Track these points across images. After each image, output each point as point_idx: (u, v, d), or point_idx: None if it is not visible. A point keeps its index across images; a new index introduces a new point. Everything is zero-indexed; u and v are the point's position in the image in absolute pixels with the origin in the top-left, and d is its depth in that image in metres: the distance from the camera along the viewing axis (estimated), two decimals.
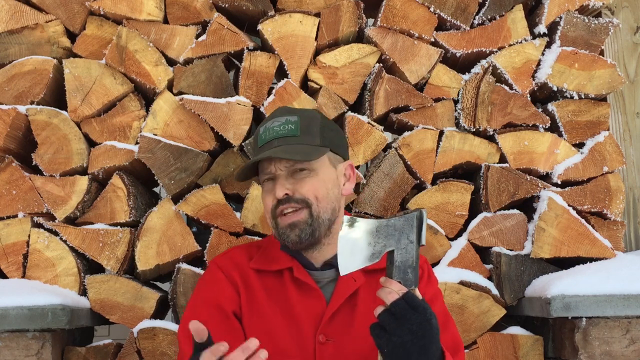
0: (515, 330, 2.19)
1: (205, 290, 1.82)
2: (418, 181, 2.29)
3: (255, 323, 1.77)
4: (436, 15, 2.31)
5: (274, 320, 1.76)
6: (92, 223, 2.18)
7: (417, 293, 1.53)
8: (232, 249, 1.91)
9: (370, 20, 2.38)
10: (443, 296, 2.12)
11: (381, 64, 2.29)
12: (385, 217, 1.56)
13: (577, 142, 2.35)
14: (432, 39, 2.32)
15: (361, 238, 1.53)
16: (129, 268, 2.21)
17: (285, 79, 2.25)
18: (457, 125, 2.32)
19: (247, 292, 1.79)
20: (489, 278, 2.24)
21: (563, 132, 2.33)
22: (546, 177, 2.33)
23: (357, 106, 2.34)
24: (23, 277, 2.15)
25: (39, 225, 2.18)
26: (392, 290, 1.49)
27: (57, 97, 2.28)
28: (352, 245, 1.53)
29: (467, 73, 2.34)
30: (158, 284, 2.42)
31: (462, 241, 2.24)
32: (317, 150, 1.76)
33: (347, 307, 1.76)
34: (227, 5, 2.28)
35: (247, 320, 1.77)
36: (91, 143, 2.24)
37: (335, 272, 1.79)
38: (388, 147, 2.29)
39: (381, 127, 2.27)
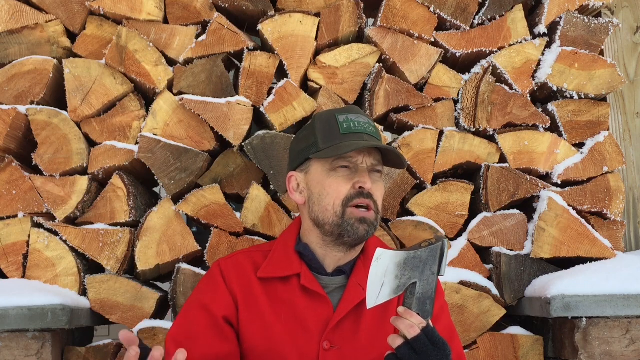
0: (515, 330, 2.19)
1: (201, 293, 1.81)
2: (418, 181, 2.29)
3: (254, 328, 1.76)
4: (436, 15, 2.32)
5: (276, 327, 1.74)
6: (92, 223, 2.18)
7: (430, 323, 1.54)
8: (237, 254, 1.88)
9: (370, 20, 2.38)
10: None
11: (381, 64, 2.29)
12: (408, 248, 1.58)
13: (577, 142, 2.35)
14: (432, 39, 2.32)
15: (390, 271, 1.53)
16: (129, 268, 2.21)
17: (285, 79, 2.25)
18: (457, 125, 2.32)
19: (247, 300, 1.77)
20: (489, 278, 2.24)
21: (563, 132, 2.33)
22: (546, 177, 2.33)
23: (357, 106, 2.33)
24: (23, 277, 2.15)
25: (39, 225, 2.18)
26: (413, 324, 1.49)
27: (57, 97, 2.28)
28: (382, 278, 1.53)
29: (467, 73, 2.34)
30: (158, 284, 2.42)
31: (462, 241, 2.24)
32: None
33: (353, 316, 1.75)
34: (227, 5, 2.28)
35: (245, 327, 1.76)
36: (91, 143, 2.24)
37: (344, 279, 1.79)
38: None
39: (381, 127, 2.27)
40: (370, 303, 1.53)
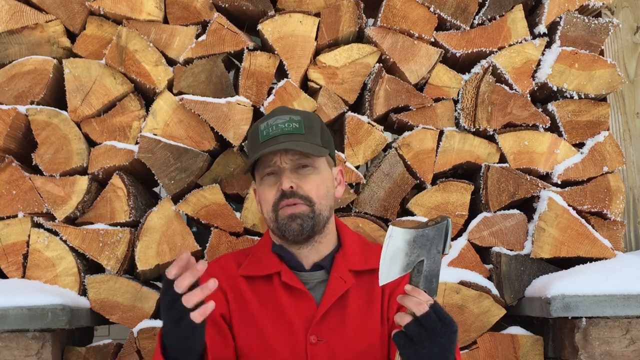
0: (515, 330, 2.19)
1: None
2: (418, 181, 2.29)
3: (246, 328, 1.79)
4: (436, 15, 2.31)
5: (265, 324, 1.78)
6: (92, 223, 2.18)
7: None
8: (221, 258, 1.93)
9: (370, 20, 2.38)
10: (443, 296, 2.12)
11: (381, 64, 2.29)
12: (416, 227, 1.58)
13: (577, 142, 2.35)
14: (432, 39, 2.32)
15: (401, 248, 1.55)
16: (129, 268, 2.21)
17: (285, 79, 2.25)
18: (457, 125, 2.32)
19: (236, 299, 1.81)
20: (489, 278, 2.24)
21: (563, 132, 2.33)
22: (546, 177, 2.33)
23: (357, 106, 2.34)
24: (23, 277, 2.15)
25: (39, 225, 2.18)
26: (421, 301, 1.50)
27: (57, 97, 2.28)
28: (393, 255, 1.55)
29: (467, 73, 2.34)
30: (158, 284, 2.42)
31: (462, 241, 2.24)
32: (322, 149, 1.83)
33: (337, 308, 1.78)
34: (227, 5, 2.28)
35: (237, 326, 1.80)
36: (91, 143, 2.24)
37: (324, 274, 1.83)
38: (388, 147, 2.29)
39: (381, 127, 2.27)
40: (382, 280, 1.54)
